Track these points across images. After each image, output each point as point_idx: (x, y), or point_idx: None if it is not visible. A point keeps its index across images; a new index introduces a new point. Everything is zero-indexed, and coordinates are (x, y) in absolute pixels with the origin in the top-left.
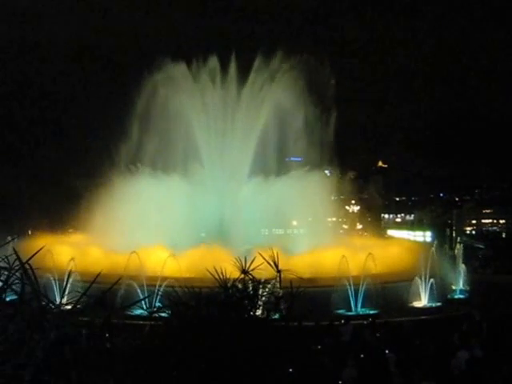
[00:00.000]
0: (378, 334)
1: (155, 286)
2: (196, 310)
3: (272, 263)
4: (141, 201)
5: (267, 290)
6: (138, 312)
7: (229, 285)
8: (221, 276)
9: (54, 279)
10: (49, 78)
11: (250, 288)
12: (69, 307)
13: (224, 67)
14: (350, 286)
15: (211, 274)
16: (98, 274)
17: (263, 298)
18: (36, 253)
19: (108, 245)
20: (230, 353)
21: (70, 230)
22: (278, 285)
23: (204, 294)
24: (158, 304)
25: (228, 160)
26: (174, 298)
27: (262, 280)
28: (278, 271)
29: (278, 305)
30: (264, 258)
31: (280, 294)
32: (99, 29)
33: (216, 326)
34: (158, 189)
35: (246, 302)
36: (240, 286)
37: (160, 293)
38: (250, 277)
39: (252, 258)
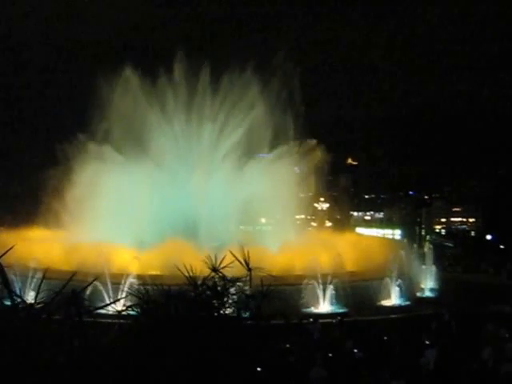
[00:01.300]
0: (346, 333)
1: (122, 283)
2: (165, 308)
3: (243, 261)
4: (104, 193)
5: (237, 288)
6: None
7: (199, 283)
8: (190, 274)
9: (16, 276)
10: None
11: (220, 286)
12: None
13: (194, 64)
14: (318, 284)
15: (180, 271)
16: (72, 276)
17: (233, 297)
18: (7, 252)
19: (72, 240)
20: (198, 352)
21: (34, 226)
22: (248, 283)
23: (173, 292)
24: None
25: (196, 153)
26: (143, 296)
27: (233, 278)
28: (249, 270)
29: (248, 303)
30: (235, 257)
31: (250, 293)
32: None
33: (185, 324)
34: (121, 180)
35: (216, 300)
36: (210, 283)
37: (128, 290)
38: (220, 275)
39: (220, 256)
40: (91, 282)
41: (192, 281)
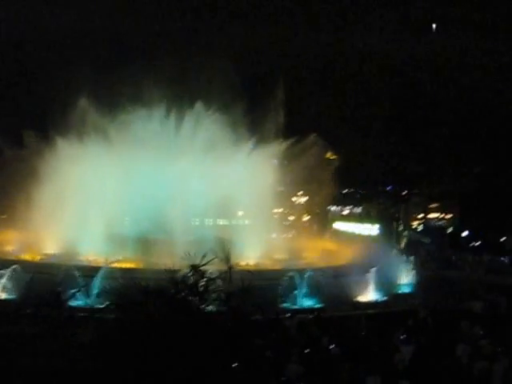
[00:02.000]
0: (322, 328)
1: (96, 276)
2: (144, 306)
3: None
4: (74, 188)
5: (216, 285)
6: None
7: (178, 277)
8: (168, 270)
9: None
10: None
11: (200, 284)
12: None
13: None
14: (295, 279)
15: (162, 269)
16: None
17: (213, 295)
18: None
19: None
20: (177, 351)
21: None
22: (227, 280)
23: (151, 288)
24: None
25: (174, 145)
26: (120, 294)
27: (212, 276)
28: (229, 267)
29: (228, 301)
30: (216, 254)
31: (229, 290)
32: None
33: (164, 324)
34: (93, 174)
35: (195, 298)
36: (189, 281)
37: (103, 286)
38: (200, 271)
39: (194, 250)
40: (77, 291)
41: (170, 277)
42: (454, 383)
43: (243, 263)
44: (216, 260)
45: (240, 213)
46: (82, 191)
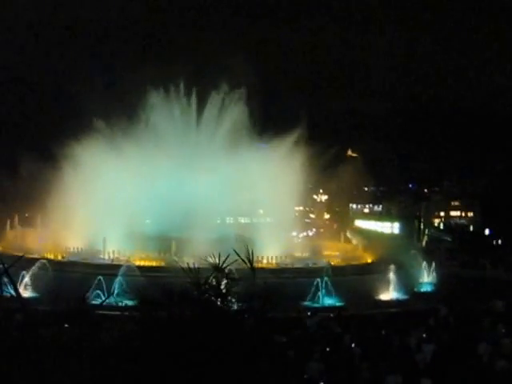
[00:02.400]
0: (344, 327)
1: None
2: (168, 309)
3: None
4: (96, 189)
5: (240, 286)
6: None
7: (201, 280)
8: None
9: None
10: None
11: (223, 285)
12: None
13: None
14: (316, 277)
15: (183, 269)
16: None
17: (235, 296)
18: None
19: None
20: (201, 352)
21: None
22: (250, 281)
23: (174, 288)
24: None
25: (194, 143)
26: (142, 293)
27: (235, 276)
28: (252, 269)
29: (251, 302)
30: (239, 255)
31: (252, 289)
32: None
33: (189, 327)
34: (114, 171)
35: (219, 299)
36: (212, 281)
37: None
38: (223, 271)
39: (216, 249)
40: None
41: (193, 277)
42: (475, 382)
43: (265, 261)
44: (238, 260)
45: (261, 211)
46: (104, 191)
